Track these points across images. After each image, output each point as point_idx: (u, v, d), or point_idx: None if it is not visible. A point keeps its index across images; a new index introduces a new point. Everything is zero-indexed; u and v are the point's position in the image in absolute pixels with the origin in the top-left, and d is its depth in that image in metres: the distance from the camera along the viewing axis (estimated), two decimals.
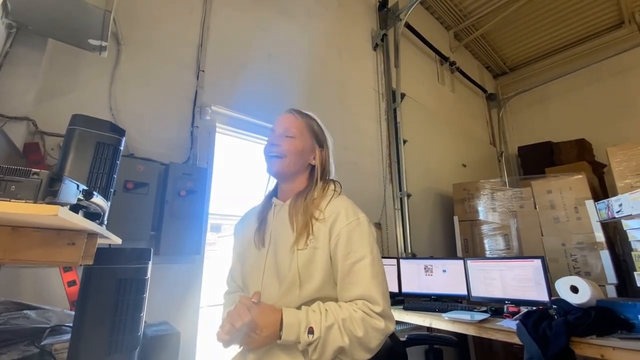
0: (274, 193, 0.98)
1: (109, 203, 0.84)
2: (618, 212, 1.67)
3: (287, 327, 0.71)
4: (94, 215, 0.70)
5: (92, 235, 0.71)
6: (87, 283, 0.84)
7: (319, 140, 0.95)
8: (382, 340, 0.75)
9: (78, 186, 0.54)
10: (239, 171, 2.17)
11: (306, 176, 0.93)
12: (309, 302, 0.78)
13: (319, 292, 0.79)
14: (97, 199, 0.63)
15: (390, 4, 3.46)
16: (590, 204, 2.55)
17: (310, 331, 0.70)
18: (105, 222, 0.81)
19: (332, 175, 0.97)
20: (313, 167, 0.94)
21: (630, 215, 1.62)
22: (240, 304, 0.74)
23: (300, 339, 0.70)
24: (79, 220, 0.55)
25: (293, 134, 0.92)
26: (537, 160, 4.21)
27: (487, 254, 2.91)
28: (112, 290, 0.83)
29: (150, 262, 0.94)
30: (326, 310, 0.74)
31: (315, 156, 0.93)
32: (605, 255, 2.43)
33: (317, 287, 0.78)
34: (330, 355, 0.71)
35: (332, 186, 0.91)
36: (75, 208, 0.60)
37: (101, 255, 0.78)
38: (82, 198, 0.56)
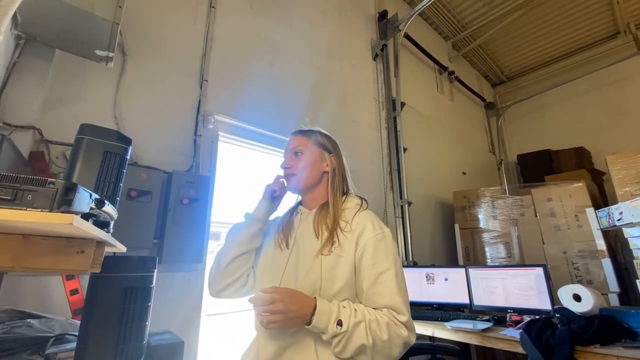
0: (300, 201, 1.04)
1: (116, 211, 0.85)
2: (619, 220, 1.67)
3: (319, 314, 0.74)
4: (102, 224, 0.70)
5: (100, 243, 0.72)
6: (94, 291, 0.84)
7: (327, 148, 1.00)
8: (403, 350, 0.78)
9: (91, 195, 0.55)
10: (240, 179, 2.18)
11: (325, 185, 0.98)
12: None
13: (337, 298, 0.81)
14: (108, 207, 0.64)
15: (389, 15, 3.53)
16: (590, 211, 2.56)
17: (339, 323, 0.74)
18: (111, 230, 0.82)
19: (350, 184, 1.01)
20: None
21: (631, 223, 1.63)
22: (272, 288, 0.76)
23: (329, 329, 0.73)
24: (90, 229, 0.56)
25: (300, 150, 0.98)
26: (537, 168, 4.24)
27: (489, 261, 2.90)
28: (118, 298, 0.83)
29: (156, 271, 0.94)
30: (355, 309, 0.77)
31: (327, 163, 0.98)
32: (607, 263, 2.43)
33: (335, 293, 0.81)
34: (351, 352, 0.74)
35: (357, 200, 0.96)
36: (85, 216, 0.61)
37: (108, 263, 0.79)
38: (94, 207, 0.57)
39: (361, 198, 0.97)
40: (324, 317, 0.74)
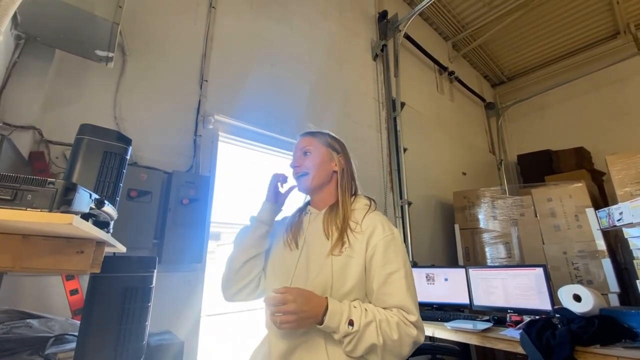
0: (309, 202, 1.04)
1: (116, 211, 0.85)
2: (619, 220, 1.67)
3: (330, 314, 0.75)
4: (102, 224, 0.70)
5: (100, 243, 0.71)
6: (94, 292, 0.84)
7: (335, 149, 1.02)
8: (413, 349, 0.79)
9: (91, 195, 0.55)
10: (240, 179, 2.19)
11: (334, 185, 0.99)
12: None
13: (348, 298, 0.82)
14: (108, 207, 0.64)
15: (389, 15, 3.53)
16: (590, 212, 2.56)
17: (351, 323, 0.75)
18: (111, 231, 0.82)
19: (357, 185, 1.02)
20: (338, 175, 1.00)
21: (631, 223, 1.63)
22: (285, 288, 0.77)
23: (340, 329, 0.75)
24: (90, 229, 0.56)
25: (309, 150, 1.00)
26: (537, 169, 4.23)
27: (489, 262, 2.90)
28: (118, 298, 0.83)
29: (156, 271, 0.94)
30: (365, 309, 0.78)
31: (335, 163, 1.00)
32: (607, 264, 2.43)
33: (346, 293, 0.82)
34: (362, 351, 0.75)
35: (366, 201, 0.97)
36: (85, 216, 0.61)
37: (107, 263, 0.78)
38: (94, 207, 0.57)
39: (370, 199, 0.98)
40: (336, 317, 0.75)
